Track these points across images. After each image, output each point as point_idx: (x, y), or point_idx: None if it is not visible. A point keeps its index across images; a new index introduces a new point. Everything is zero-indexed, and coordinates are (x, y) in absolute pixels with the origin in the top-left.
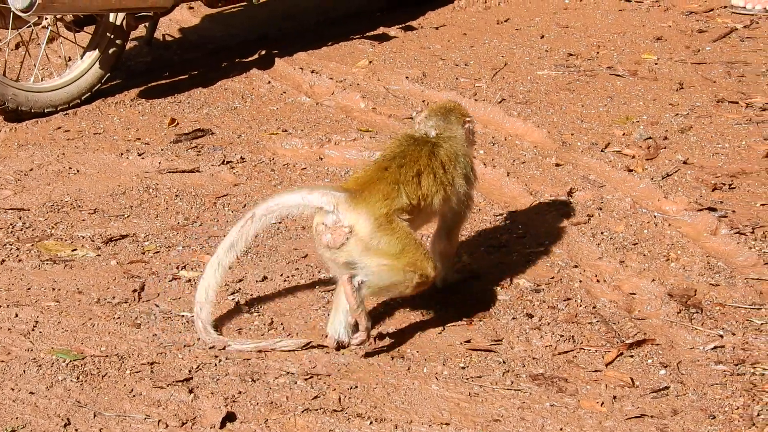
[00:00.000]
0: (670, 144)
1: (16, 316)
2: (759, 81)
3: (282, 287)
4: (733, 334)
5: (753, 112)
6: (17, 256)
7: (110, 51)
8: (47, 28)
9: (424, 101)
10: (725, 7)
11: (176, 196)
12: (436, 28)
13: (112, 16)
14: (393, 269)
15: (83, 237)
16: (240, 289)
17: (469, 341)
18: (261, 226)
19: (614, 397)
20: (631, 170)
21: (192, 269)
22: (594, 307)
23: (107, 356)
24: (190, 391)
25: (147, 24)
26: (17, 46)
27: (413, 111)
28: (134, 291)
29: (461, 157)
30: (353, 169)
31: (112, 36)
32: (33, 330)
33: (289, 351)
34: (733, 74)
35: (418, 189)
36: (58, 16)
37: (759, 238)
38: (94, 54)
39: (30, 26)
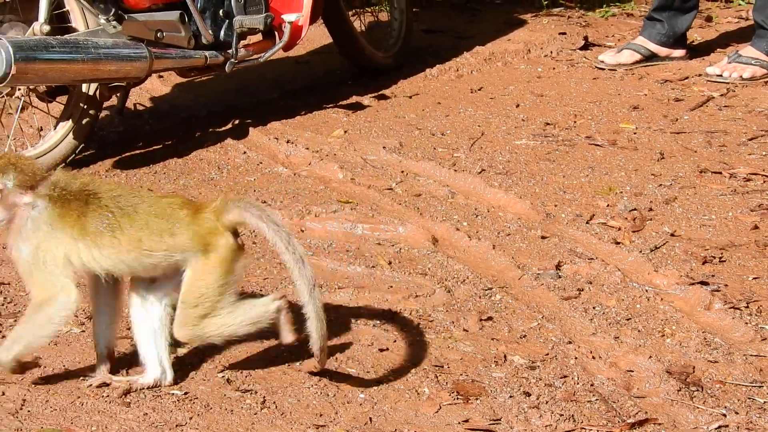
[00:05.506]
0: (655, 215)
1: (3, 394)
2: (740, 151)
3: (272, 364)
4: (737, 413)
5: (737, 183)
6: (0, 332)
7: (84, 121)
8: (20, 99)
9: (402, 171)
10: (700, 75)
11: None
12: (410, 97)
13: (84, 86)
14: None
15: None
16: (228, 366)
17: (467, 421)
18: None
19: None
20: (618, 243)
21: (178, 345)
22: (592, 385)
23: None
24: None
25: (119, 93)
26: None
27: (392, 182)
28: (122, 369)
29: None
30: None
31: (85, 106)
32: (21, 409)
33: None
34: (714, 144)
35: None
36: (31, 87)
37: (754, 312)
38: (68, 124)
39: (2, 95)
